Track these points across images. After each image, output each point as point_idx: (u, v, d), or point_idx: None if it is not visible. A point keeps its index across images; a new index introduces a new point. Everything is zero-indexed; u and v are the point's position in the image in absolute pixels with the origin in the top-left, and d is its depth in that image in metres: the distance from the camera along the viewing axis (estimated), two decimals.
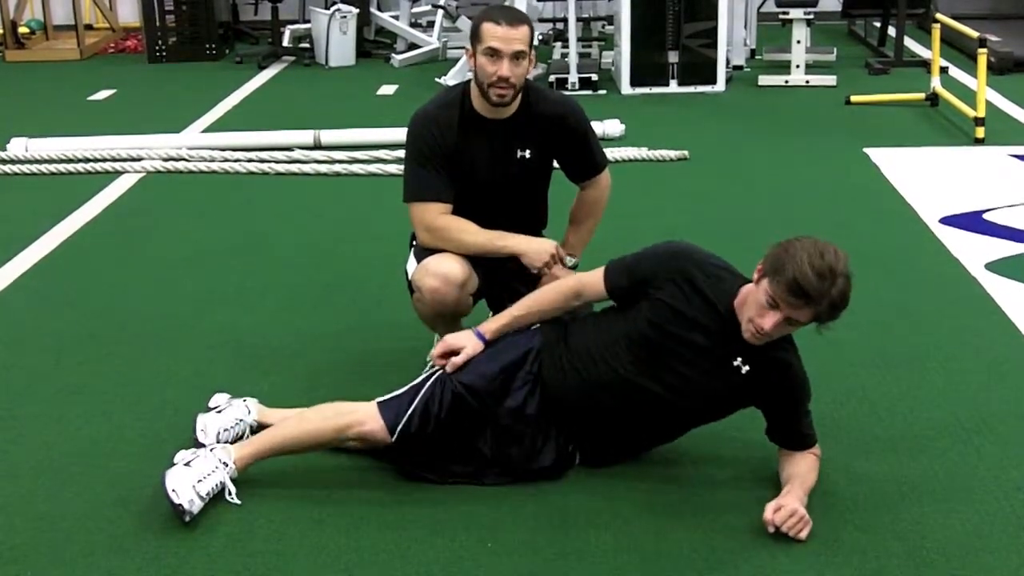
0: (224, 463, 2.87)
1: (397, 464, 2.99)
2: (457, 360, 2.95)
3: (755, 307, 2.71)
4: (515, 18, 3.16)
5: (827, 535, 2.71)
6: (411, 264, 3.35)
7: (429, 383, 2.95)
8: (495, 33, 3.11)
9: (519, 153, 3.28)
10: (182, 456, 2.89)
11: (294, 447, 2.96)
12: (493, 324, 3.04)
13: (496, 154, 3.26)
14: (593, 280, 2.99)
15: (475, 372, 2.94)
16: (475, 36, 3.17)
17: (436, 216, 3.22)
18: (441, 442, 2.93)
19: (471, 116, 3.23)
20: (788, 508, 2.70)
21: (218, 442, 3.04)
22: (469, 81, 3.24)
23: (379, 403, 2.96)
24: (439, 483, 2.95)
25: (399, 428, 2.90)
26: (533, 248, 3.20)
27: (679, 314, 2.82)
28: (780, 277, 2.64)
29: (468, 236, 3.20)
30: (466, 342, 2.99)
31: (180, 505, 2.75)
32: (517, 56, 3.11)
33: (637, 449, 3.04)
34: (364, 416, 2.93)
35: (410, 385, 3.00)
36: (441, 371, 2.97)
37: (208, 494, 2.81)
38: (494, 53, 3.10)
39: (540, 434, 2.95)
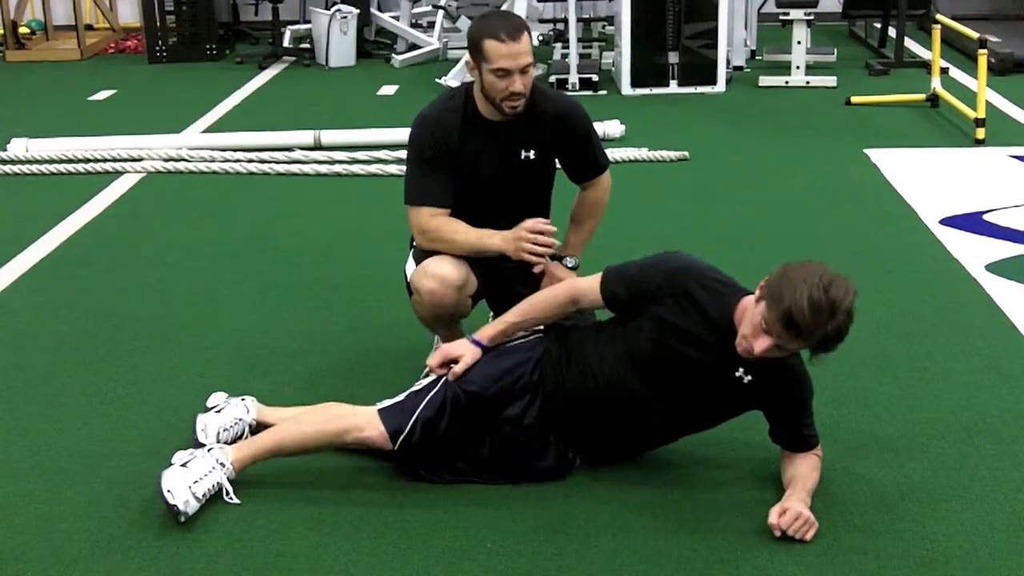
0: (221, 464, 2.87)
1: (398, 464, 2.99)
2: (458, 369, 2.94)
3: (749, 326, 2.69)
4: (515, 29, 3.11)
5: (827, 535, 2.71)
6: (410, 266, 3.35)
7: (432, 392, 2.94)
8: (502, 52, 3.07)
9: (523, 154, 3.27)
10: (179, 457, 2.89)
11: (292, 450, 2.96)
12: (490, 331, 3.02)
13: (500, 155, 3.25)
14: (589, 288, 2.96)
15: (478, 376, 2.94)
16: (478, 52, 3.12)
17: (429, 219, 3.22)
18: (442, 449, 2.93)
19: (475, 118, 3.23)
20: (792, 511, 2.70)
21: (218, 442, 3.04)
22: (472, 83, 3.24)
23: (380, 411, 2.95)
24: (440, 482, 2.95)
25: (401, 438, 2.90)
26: (509, 244, 3.14)
27: (680, 330, 2.81)
28: (775, 305, 2.61)
29: (458, 236, 3.20)
30: (464, 350, 2.98)
31: (175, 506, 2.75)
32: (525, 68, 3.11)
33: (637, 452, 3.05)
34: (363, 422, 2.93)
35: (410, 392, 2.99)
36: (442, 378, 2.97)
37: (204, 495, 2.81)
38: (505, 73, 3.09)
39: (539, 441, 2.95)
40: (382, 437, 2.91)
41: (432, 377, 3.01)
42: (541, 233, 3.12)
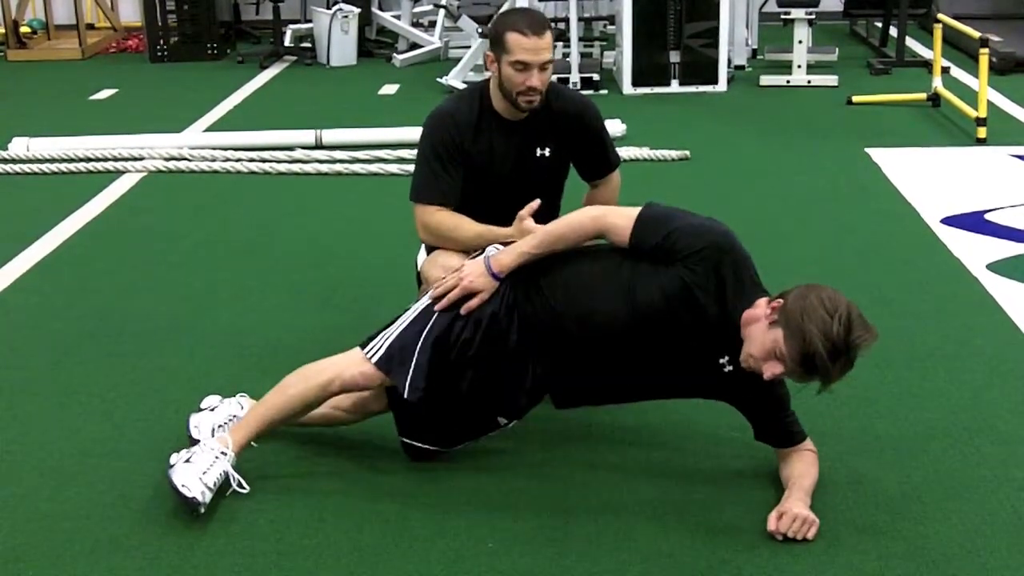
0: (223, 453, 2.87)
1: (403, 448, 3.00)
2: (473, 304, 2.89)
3: (760, 347, 2.65)
4: (539, 25, 3.12)
5: (827, 535, 2.71)
6: (421, 255, 3.37)
7: (426, 332, 2.89)
8: (523, 45, 3.08)
9: (538, 151, 3.28)
10: (178, 456, 2.88)
11: (285, 417, 2.96)
12: (507, 260, 2.91)
13: (515, 152, 3.25)
14: (620, 225, 2.84)
15: (473, 315, 2.90)
16: (500, 45, 3.13)
17: (432, 215, 3.22)
18: (440, 388, 2.89)
19: (490, 115, 3.23)
20: (790, 513, 2.69)
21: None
22: (487, 80, 3.24)
23: (376, 362, 2.88)
24: (447, 452, 2.97)
25: (407, 385, 2.85)
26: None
27: (694, 301, 2.75)
28: (794, 342, 2.57)
29: (460, 233, 3.19)
30: (483, 284, 2.89)
31: (193, 498, 2.75)
32: (545, 65, 3.11)
33: (604, 397, 3.01)
34: (343, 363, 2.92)
35: (398, 331, 2.92)
36: (430, 310, 2.91)
37: (215, 484, 2.81)
38: (524, 66, 3.09)
39: (519, 365, 2.90)
40: (364, 376, 2.89)
41: (420, 307, 2.95)
42: None
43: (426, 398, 2.88)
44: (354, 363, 2.92)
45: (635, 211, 2.85)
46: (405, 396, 2.88)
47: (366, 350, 2.94)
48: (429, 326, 2.91)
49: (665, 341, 2.81)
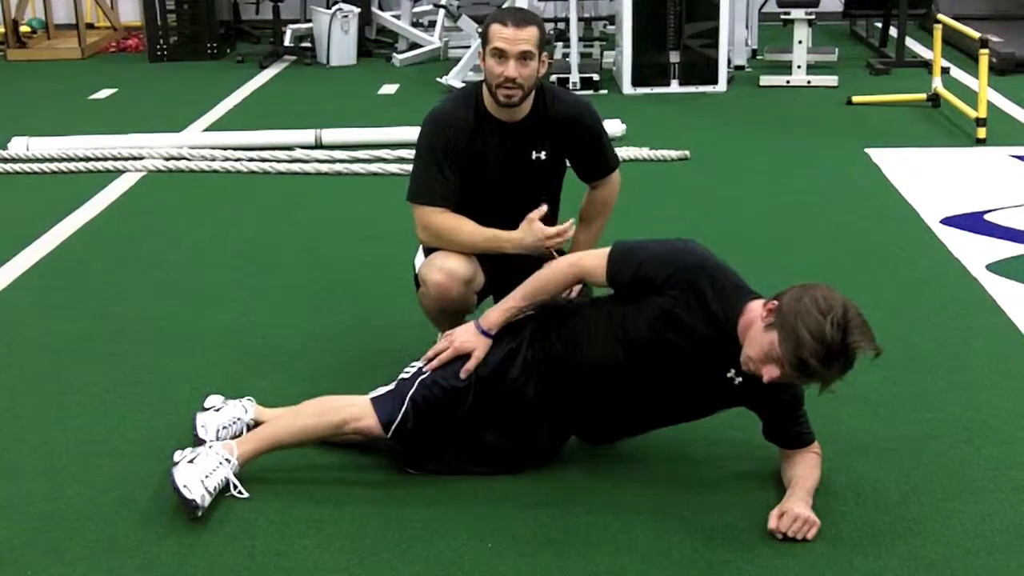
0: (227, 459, 2.87)
1: (401, 459, 2.99)
2: (470, 366, 2.93)
3: (758, 350, 2.64)
4: (522, 19, 3.16)
5: (827, 535, 2.71)
6: (419, 258, 3.37)
7: (422, 377, 2.95)
8: (502, 34, 3.12)
9: (533, 155, 3.28)
10: (182, 454, 2.89)
11: (294, 443, 2.98)
12: (496, 317, 2.98)
13: (510, 155, 3.26)
14: (595, 266, 2.90)
15: (476, 372, 2.94)
16: (484, 38, 3.19)
17: (433, 215, 3.22)
18: (437, 434, 2.94)
19: (485, 117, 3.24)
20: (791, 513, 2.69)
21: (217, 439, 3.04)
22: (482, 82, 3.25)
23: (372, 399, 2.96)
24: (440, 473, 2.96)
25: (394, 426, 2.91)
26: (528, 244, 3.15)
27: (680, 323, 2.78)
28: (788, 344, 2.56)
29: (464, 236, 3.20)
30: (475, 343, 2.95)
31: (193, 500, 2.76)
32: (523, 56, 3.11)
33: (629, 433, 3.04)
34: (359, 412, 2.94)
35: (401, 379, 3.00)
36: (430, 372, 2.97)
37: (215, 489, 2.82)
38: (501, 54, 3.11)
39: (537, 416, 2.94)
40: (379, 427, 2.93)
41: (417, 366, 3.01)
42: (559, 234, 3.13)
43: (415, 441, 2.93)
44: (367, 412, 2.95)
45: (606, 251, 2.91)
46: (387, 436, 2.93)
47: (373, 394, 2.99)
48: (426, 374, 2.96)
49: (667, 368, 2.83)
